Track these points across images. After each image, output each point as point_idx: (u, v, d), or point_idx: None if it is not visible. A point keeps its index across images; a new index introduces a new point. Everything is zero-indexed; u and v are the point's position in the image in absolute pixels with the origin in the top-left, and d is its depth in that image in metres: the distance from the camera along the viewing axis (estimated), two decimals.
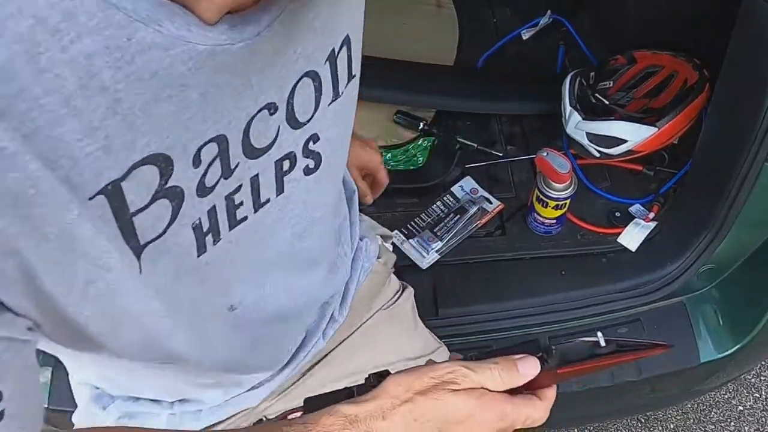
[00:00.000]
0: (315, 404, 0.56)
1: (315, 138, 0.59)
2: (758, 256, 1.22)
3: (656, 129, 1.35)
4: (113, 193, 0.42)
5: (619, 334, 1.27)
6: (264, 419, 0.85)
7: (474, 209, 1.40)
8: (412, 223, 1.39)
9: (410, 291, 1.06)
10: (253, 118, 0.51)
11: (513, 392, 0.55)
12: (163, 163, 0.45)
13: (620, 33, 1.61)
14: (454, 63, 1.70)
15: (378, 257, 0.97)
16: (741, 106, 1.08)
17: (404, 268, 1.33)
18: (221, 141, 0.49)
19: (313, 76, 0.55)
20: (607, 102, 1.40)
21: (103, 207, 0.42)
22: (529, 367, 0.55)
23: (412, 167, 1.50)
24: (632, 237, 1.33)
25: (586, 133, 1.38)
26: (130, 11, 0.38)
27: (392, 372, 0.56)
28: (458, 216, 1.39)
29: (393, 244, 1.35)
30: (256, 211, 0.57)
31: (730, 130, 1.13)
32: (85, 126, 0.39)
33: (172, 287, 0.53)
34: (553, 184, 1.26)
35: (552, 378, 0.57)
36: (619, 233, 1.35)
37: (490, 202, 1.42)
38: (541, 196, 1.28)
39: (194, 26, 0.41)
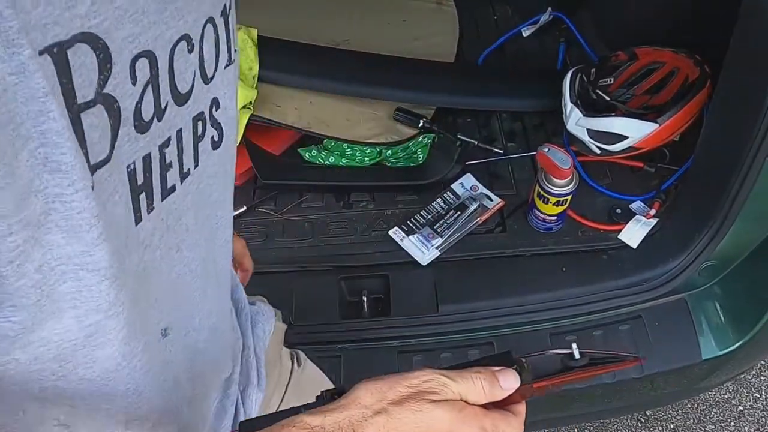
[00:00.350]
0: (251, 427, 0.50)
1: (217, 103, 0.52)
2: (760, 253, 1.21)
3: (657, 125, 1.34)
4: (60, 60, 0.35)
5: (619, 332, 1.27)
6: None
7: (474, 206, 1.39)
8: (412, 219, 1.38)
9: (302, 354, 0.98)
10: (175, 45, 0.44)
11: (483, 407, 0.52)
12: (102, 53, 0.37)
13: (621, 29, 1.61)
14: (454, 60, 1.70)
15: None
16: (742, 102, 1.08)
17: (404, 265, 1.33)
18: (151, 60, 0.42)
19: (214, 25, 0.49)
20: (608, 98, 1.40)
21: (51, 75, 0.34)
22: (509, 381, 0.52)
23: (412, 164, 1.49)
24: (633, 234, 1.33)
25: (587, 129, 1.38)
26: None
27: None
28: (458, 213, 1.38)
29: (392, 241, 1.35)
30: (182, 181, 0.49)
31: (732, 127, 1.13)
32: None
33: (120, 262, 0.43)
34: (555, 179, 1.25)
35: (526, 392, 0.54)
36: (620, 230, 1.34)
37: (491, 199, 1.41)
38: (542, 192, 1.27)
39: None
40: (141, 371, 0.50)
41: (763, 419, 1.79)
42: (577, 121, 1.38)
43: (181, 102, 0.47)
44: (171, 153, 0.47)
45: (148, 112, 0.43)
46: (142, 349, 0.49)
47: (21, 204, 0.35)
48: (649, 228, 1.33)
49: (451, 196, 1.42)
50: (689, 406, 1.81)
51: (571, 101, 1.40)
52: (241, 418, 0.75)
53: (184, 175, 0.50)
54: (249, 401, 0.76)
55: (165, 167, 0.47)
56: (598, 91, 1.41)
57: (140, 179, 0.44)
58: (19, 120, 0.34)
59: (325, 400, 0.51)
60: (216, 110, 0.52)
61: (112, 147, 0.40)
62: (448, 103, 1.58)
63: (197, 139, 0.50)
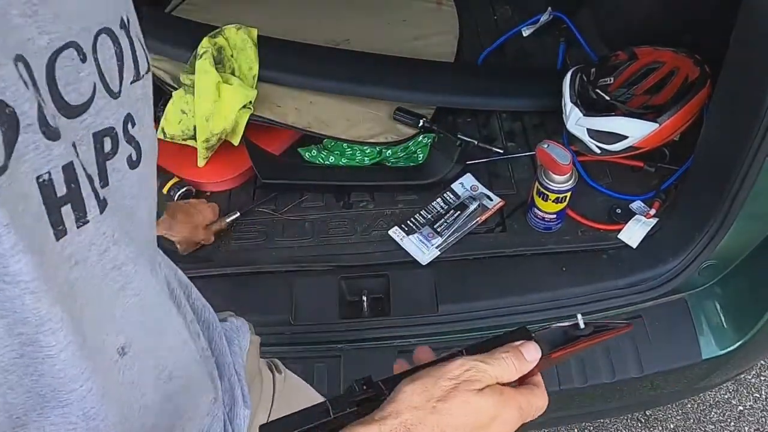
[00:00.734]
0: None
1: (131, 120, 0.49)
2: (760, 252, 1.21)
3: (657, 125, 1.34)
4: None
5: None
6: None
7: (474, 206, 1.39)
8: (412, 219, 1.38)
9: (279, 362, 0.94)
10: (57, 53, 0.41)
11: (507, 385, 0.54)
12: None
13: (621, 29, 1.61)
14: (454, 60, 1.70)
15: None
16: (742, 102, 1.08)
17: (404, 265, 1.33)
18: (23, 63, 0.38)
19: (112, 36, 0.46)
20: (608, 98, 1.40)
21: None
22: (532, 353, 0.53)
23: (412, 164, 1.49)
24: (633, 233, 1.33)
25: (587, 129, 1.38)
26: None
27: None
28: (458, 212, 1.38)
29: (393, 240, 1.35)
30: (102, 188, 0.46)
31: (732, 126, 1.13)
32: None
33: (42, 271, 0.41)
34: (554, 176, 1.25)
35: (544, 364, 0.56)
36: (620, 230, 1.34)
37: (491, 199, 1.41)
38: (541, 189, 1.27)
39: None
40: (97, 393, 0.47)
41: (763, 419, 1.79)
42: (577, 121, 1.38)
43: (73, 114, 0.43)
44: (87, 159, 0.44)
45: (54, 116, 0.40)
46: (93, 369, 0.47)
47: None
48: (649, 228, 1.33)
49: (451, 196, 1.42)
50: (689, 406, 1.81)
51: (571, 101, 1.40)
52: None
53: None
54: (237, 420, 0.73)
55: (89, 178, 0.43)
56: (598, 90, 1.41)
57: (61, 191, 0.41)
58: None
59: (358, 392, 0.52)
60: (132, 127, 0.49)
61: (8, 155, 0.37)
62: (448, 103, 1.58)
63: (104, 156, 0.46)
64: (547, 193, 1.27)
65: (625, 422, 1.78)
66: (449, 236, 1.35)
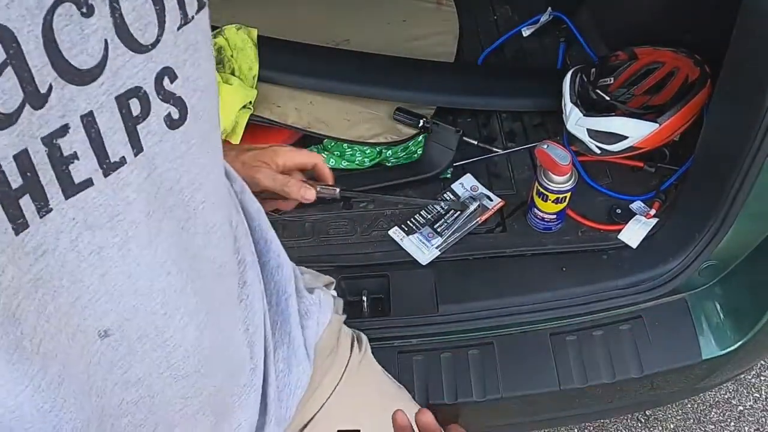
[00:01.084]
0: None
1: (170, 74, 0.44)
2: (760, 253, 1.21)
3: (657, 125, 1.34)
4: None
5: (619, 332, 1.27)
6: None
7: (474, 206, 1.39)
8: (412, 219, 1.38)
9: (365, 338, 1.01)
10: (53, 9, 0.36)
11: None
12: None
13: (621, 29, 1.61)
14: (454, 60, 1.70)
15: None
16: (743, 102, 1.08)
17: (404, 265, 1.33)
18: (3, 36, 0.34)
19: None
20: (608, 98, 1.40)
21: None
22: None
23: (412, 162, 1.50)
24: (633, 234, 1.33)
25: (587, 129, 1.38)
26: None
27: None
28: (459, 213, 1.38)
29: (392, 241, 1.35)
30: (106, 174, 0.43)
31: (732, 127, 1.13)
32: None
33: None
34: (554, 176, 1.25)
35: None
36: (620, 230, 1.34)
37: (491, 199, 1.41)
38: (541, 190, 1.27)
39: None
40: (81, 376, 0.47)
41: (763, 419, 1.79)
42: (577, 121, 1.38)
43: (85, 81, 0.39)
44: (73, 142, 0.40)
45: (10, 103, 0.36)
46: (77, 353, 0.46)
47: None
48: (649, 228, 1.33)
49: (451, 197, 1.42)
50: (689, 406, 1.81)
51: (571, 101, 1.40)
52: (282, 413, 0.74)
53: (110, 165, 0.43)
54: (288, 389, 0.74)
55: (63, 160, 0.40)
56: (598, 91, 1.41)
57: (16, 182, 0.38)
58: None
59: None
60: (171, 82, 0.44)
61: None
62: (448, 102, 1.57)
63: (133, 120, 0.43)
64: (546, 193, 1.27)
65: (625, 422, 1.78)
66: (449, 236, 1.35)
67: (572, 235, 1.36)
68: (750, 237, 1.20)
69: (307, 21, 1.72)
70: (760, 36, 1.00)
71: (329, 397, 0.87)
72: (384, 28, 1.73)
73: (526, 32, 1.75)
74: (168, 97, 0.45)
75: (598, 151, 1.39)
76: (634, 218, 1.35)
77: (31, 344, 0.43)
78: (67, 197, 0.41)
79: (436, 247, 1.34)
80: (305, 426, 0.83)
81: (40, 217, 0.40)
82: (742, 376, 1.84)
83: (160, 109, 0.44)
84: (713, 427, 1.78)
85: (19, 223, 0.39)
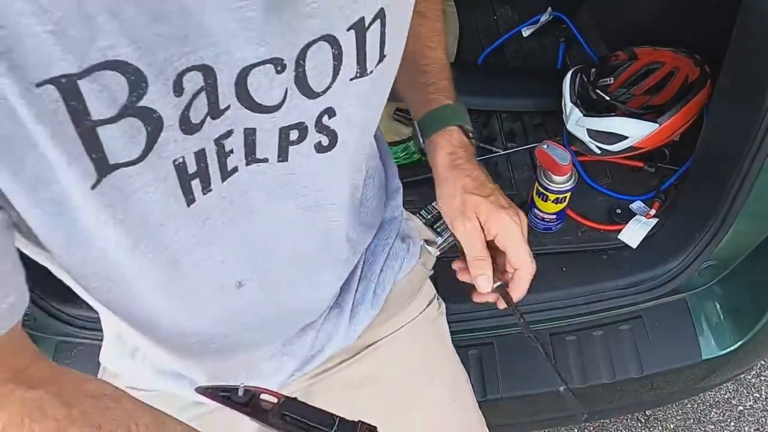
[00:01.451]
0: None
1: (330, 112, 0.56)
2: (760, 253, 1.21)
3: (657, 125, 1.34)
4: (68, 89, 0.41)
5: (619, 332, 1.27)
6: None
7: None
8: None
9: (442, 303, 1.05)
10: (252, 67, 0.48)
11: None
12: (133, 75, 0.42)
13: (621, 29, 1.61)
14: (454, 60, 1.70)
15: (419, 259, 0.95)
16: (742, 102, 1.08)
17: None
18: (207, 73, 0.46)
19: (331, 41, 0.51)
20: (608, 98, 1.40)
21: (55, 101, 0.41)
22: None
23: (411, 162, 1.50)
24: (633, 234, 1.33)
25: (587, 129, 1.38)
26: None
27: None
28: None
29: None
30: (248, 164, 0.55)
31: (732, 127, 1.13)
32: (30, 2, 0.37)
33: (152, 229, 0.52)
34: (554, 176, 1.25)
35: None
36: (620, 230, 1.34)
37: None
38: (541, 190, 1.27)
39: None
40: (219, 312, 0.65)
41: (763, 419, 1.79)
42: (577, 121, 1.38)
43: (261, 111, 0.51)
44: (233, 143, 0.52)
45: (198, 115, 0.48)
46: (211, 297, 0.63)
47: (31, 194, 0.45)
48: (649, 228, 1.33)
49: None
50: (689, 406, 1.81)
51: (571, 101, 1.40)
52: (352, 330, 0.86)
53: (254, 160, 0.55)
54: (357, 317, 0.85)
55: (223, 154, 0.52)
56: (598, 91, 1.41)
57: (191, 169, 0.51)
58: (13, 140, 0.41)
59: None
60: (329, 118, 0.56)
61: (149, 148, 0.47)
62: None
63: (287, 142, 0.55)
64: (546, 193, 1.27)
65: (625, 422, 1.78)
66: (449, 236, 1.35)
67: (572, 235, 1.36)
68: (750, 237, 1.20)
69: None
70: (759, 36, 1.00)
71: (389, 335, 0.91)
72: None
73: (526, 32, 1.75)
74: (322, 129, 0.56)
75: (598, 151, 1.39)
76: (634, 218, 1.35)
77: (182, 284, 0.59)
78: (222, 180, 0.54)
79: (436, 247, 1.33)
80: (358, 353, 0.90)
81: (204, 194, 0.53)
82: (742, 376, 1.84)
83: (313, 137, 0.57)
84: (713, 427, 1.79)
85: (189, 198, 0.52)
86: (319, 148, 0.58)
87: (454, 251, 1.34)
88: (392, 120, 1.53)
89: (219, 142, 0.51)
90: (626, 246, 1.33)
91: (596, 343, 1.26)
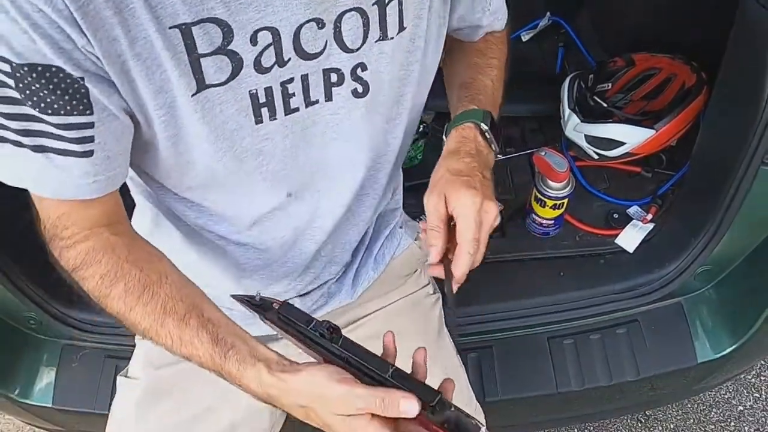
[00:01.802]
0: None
1: (363, 66, 0.74)
2: (755, 257, 1.22)
3: (654, 131, 1.36)
4: (185, 32, 0.62)
5: (616, 335, 1.28)
6: None
7: None
8: None
9: (439, 297, 1.13)
10: (302, 25, 0.67)
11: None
12: (225, 28, 0.64)
13: (619, 35, 1.62)
14: None
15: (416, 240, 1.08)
16: (738, 108, 1.09)
17: None
18: (274, 32, 0.66)
19: (361, 12, 0.70)
20: (605, 104, 1.41)
21: (177, 39, 0.62)
22: (408, 407, 0.60)
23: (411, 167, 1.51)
24: (630, 238, 1.34)
25: (585, 135, 1.39)
26: None
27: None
28: None
29: None
30: (306, 107, 0.74)
31: (728, 133, 1.14)
32: None
33: (230, 139, 0.71)
34: (551, 182, 1.27)
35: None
36: (617, 235, 1.36)
37: None
38: (539, 196, 1.29)
39: None
40: (274, 220, 0.83)
41: (763, 419, 1.80)
42: (575, 127, 1.40)
43: (307, 57, 0.70)
44: (294, 87, 0.71)
45: (268, 61, 0.68)
46: (270, 207, 0.81)
47: (156, 96, 0.65)
48: (646, 233, 1.34)
49: None
50: (689, 406, 1.82)
51: (569, 107, 1.42)
52: (354, 290, 1.02)
53: (310, 103, 0.74)
54: (360, 278, 1.02)
55: (287, 95, 0.71)
56: (595, 96, 1.42)
57: (262, 99, 0.70)
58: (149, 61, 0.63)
59: (322, 333, 0.66)
60: (362, 71, 0.74)
61: (232, 77, 0.67)
62: (447, 107, 1.58)
63: (329, 83, 0.73)
64: (544, 199, 1.28)
65: (625, 422, 1.79)
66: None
67: (570, 240, 1.37)
68: (745, 242, 1.22)
69: None
70: (755, 43, 1.01)
71: (385, 307, 1.05)
72: None
73: (525, 37, 1.76)
74: (357, 79, 0.75)
75: (596, 157, 1.40)
76: (631, 223, 1.36)
77: (244, 180, 0.77)
78: (285, 115, 0.73)
79: None
80: (355, 321, 1.05)
81: (270, 120, 0.72)
82: (742, 376, 1.85)
83: (350, 84, 0.75)
84: (713, 427, 1.79)
85: (258, 119, 0.72)
86: (356, 94, 0.75)
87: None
88: None
89: (284, 85, 0.70)
90: (623, 250, 1.34)
91: (593, 347, 1.27)
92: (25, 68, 0.59)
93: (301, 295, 0.98)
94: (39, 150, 0.65)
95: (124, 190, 0.77)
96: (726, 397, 1.84)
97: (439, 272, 0.79)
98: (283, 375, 0.66)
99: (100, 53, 0.60)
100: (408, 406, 0.59)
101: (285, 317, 0.68)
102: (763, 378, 1.87)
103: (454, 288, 0.77)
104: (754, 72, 1.02)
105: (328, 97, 0.74)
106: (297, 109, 0.73)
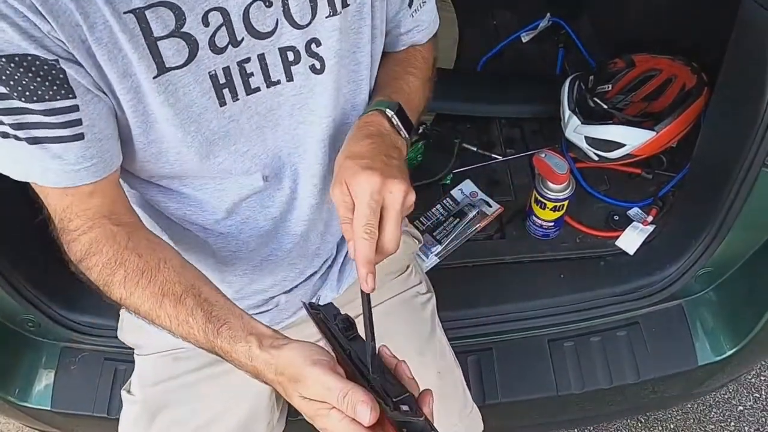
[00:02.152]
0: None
1: (316, 42, 0.75)
2: (756, 259, 1.22)
3: (654, 133, 1.35)
4: (139, 16, 0.65)
5: (616, 338, 1.28)
6: None
7: (473, 212, 1.41)
8: None
9: (432, 296, 1.14)
10: (250, 4, 0.69)
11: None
12: (177, 11, 0.66)
13: (619, 36, 1.62)
14: (453, 66, 1.71)
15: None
16: (739, 110, 1.09)
17: None
18: (224, 12, 0.69)
19: None
20: (605, 106, 1.41)
21: (133, 23, 0.65)
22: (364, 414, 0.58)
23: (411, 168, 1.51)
24: (630, 240, 1.34)
25: (585, 137, 1.39)
26: None
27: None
28: (458, 219, 1.40)
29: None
30: (268, 87, 0.76)
31: (728, 134, 1.13)
32: None
33: (197, 122, 0.73)
34: (551, 184, 1.26)
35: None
36: (618, 236, 1.35)
37: (490, 206, 1.42)
38: (539, 198, 1.29)
39: None
40: (253, 208, 0.85)
41: (763, 419, 1.80)
42: (575, 129, 1.39)
43: (261, 37, 0.72)
44: (252, 67, 0.73)
45: (222, 41, 0.70)
46: (246, 192, 0.82)
47: (122, 80, 0.67)
48: (646, 235, 1.34)
49: (451, 203, 1.44)
50: (689, 406, 1.82)
51: (569, 108, 1.41)
52: (339, 285, 1.01)
53: (271, 83, 0.76)
54: (348, 271, 1.02)
55: (246, 74, 0.74)
56: (596, 98, 1.42)
57: (222, 80, 0.72)
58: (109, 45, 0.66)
59: (341, 318, 0.68)
60: (317, 47, 0.76)
61: (190, 59, 0.69)
62: (447, 109, 1.59)
63: (288, 62, 0.75)
64: (544, 201, 1.28)
65: (625, 422, 1.79)
66: (448, 243, 1.36)
67: (570, 242, 1.37)
68: (746, 244, 1.21)
69: None
70: (756, 45, 1.01)
71: (375, 307, 0.93)
72: None
73: (525, 38, 1.76)
74: (313, 55, 0.76)
75: (596, 158, 1.40)
76: (632, 225, 1.36)
77: (214, 163, 0.78)
78: (247, 95, 0.75)
79: (436, 255, 1.35)
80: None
81: (233, 101, 0.74)
82: (742, 376, 1.85)
83: (307, 61, 0.76)
84: (713, 427, 1.79)
85: (222, 101, 0.74)
86: (314, 70, 0.77)
87: (453, 258, 1.36)
88: None
89: (241, 65, 0.73)
90: (623, 252, 1.34)
91: (593, 349, 1.27)
92: (3, 59, 0.62)
93: (286, 292, 0.98)
94: (34, 142, 0.67)
95: None
96: (726, 397, 1.84)
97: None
98: (271, 350, 0.65)
99: (64, 38, 0.63)
100: (362, 411, 0.57)
101: (318, 310, 0.71)
102: (763, 378, 1.87)
103: (368, 282, 0.69)
104: (755, 73, 1.01)
105: (289, 77, 0.76)
106: (258, 89, 0.75)
